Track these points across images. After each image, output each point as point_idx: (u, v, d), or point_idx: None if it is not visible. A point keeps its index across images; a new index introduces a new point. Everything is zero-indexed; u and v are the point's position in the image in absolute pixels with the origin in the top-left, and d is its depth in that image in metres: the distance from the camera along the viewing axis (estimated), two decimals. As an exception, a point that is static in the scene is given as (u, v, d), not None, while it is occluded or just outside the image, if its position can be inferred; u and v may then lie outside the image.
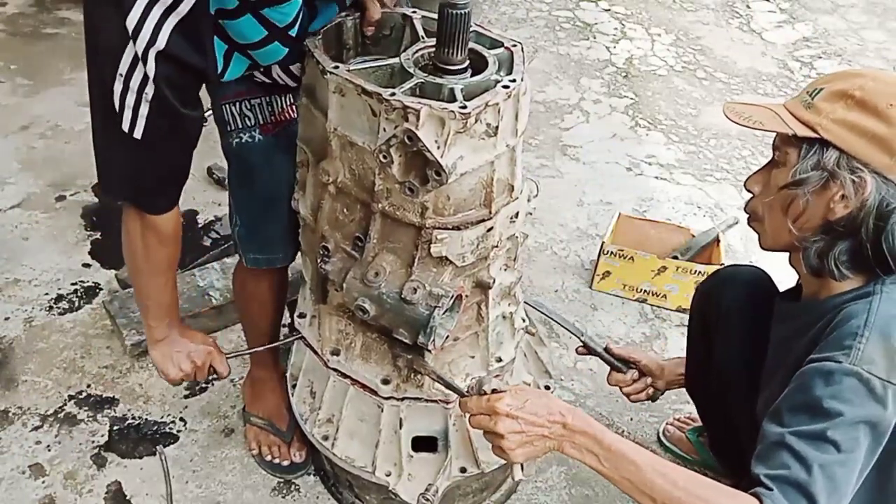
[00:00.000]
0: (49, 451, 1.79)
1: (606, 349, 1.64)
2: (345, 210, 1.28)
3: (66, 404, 1.90)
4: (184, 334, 1.48)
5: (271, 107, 1.40)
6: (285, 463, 1.77)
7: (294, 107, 1.41)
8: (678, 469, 1.11)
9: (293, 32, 1.21)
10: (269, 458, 1.77)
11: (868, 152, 1.13)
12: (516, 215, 1.30)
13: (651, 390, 1.65)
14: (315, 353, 1.49)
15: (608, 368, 1.66)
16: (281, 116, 1.41)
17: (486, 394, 1.16)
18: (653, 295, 2.27)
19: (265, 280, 1.63)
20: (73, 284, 2.22)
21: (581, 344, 1.65)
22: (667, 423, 1.91)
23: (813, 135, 1.16)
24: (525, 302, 1.63)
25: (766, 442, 1.10)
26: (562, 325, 1.66)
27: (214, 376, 1.53)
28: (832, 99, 1.16)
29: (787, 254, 1.30)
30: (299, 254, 1.54)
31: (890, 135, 1.12)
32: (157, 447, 1.80)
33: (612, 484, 1.12)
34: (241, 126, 1.39)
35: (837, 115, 1.14)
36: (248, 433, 1.82)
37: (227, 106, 1.38)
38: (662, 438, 1.89)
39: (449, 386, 1.28)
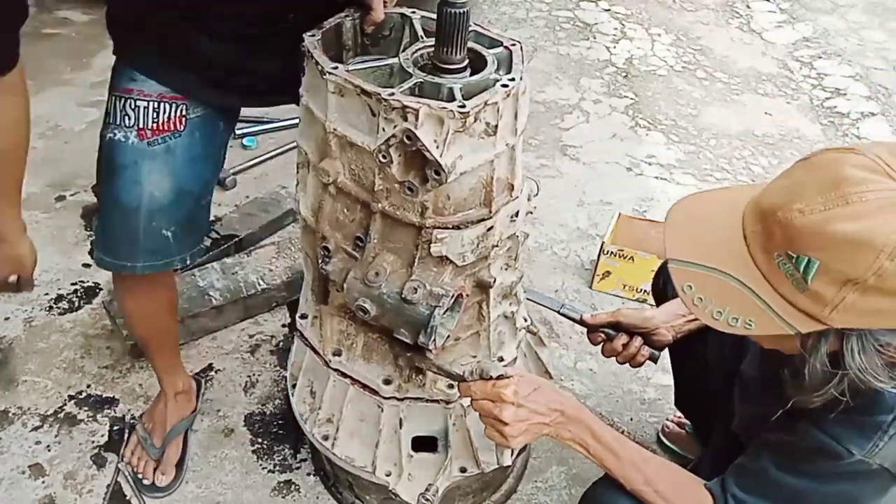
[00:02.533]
0: (49, 451, 1.79)
1: (582, 321, 1.54)
2: (345, 210, 1.28)
3: (66, 404, 1.90)
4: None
5: (157, 114, 1.33)
6: (146, 482, 1.74)
7: (183, 118, 1.34)
8: (656, 466, 1.19)
9: None
10: (137, 471, 1.75)
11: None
12: (516, 214, 1.30)
13: (646, 351, 1.49)
14: (316, 353, 1.49)
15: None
16: (165, 126, 1.33)
17: (491, 378, 1.18)
18: (653, 295, 2.27)
19: (119, 280, 1.56)
20: (73, 284, 2.22)
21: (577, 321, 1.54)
22: (666, 421, 1.91)
23: (821, 327, 0.91)
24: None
25: (751, 464, 1.13)
26: (537, 302, 1.60)
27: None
28: (835, 284, 0.88)
29: None
30: (300, 254, 1.53)
31: None
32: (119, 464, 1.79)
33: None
34: (118, 122, 1.34)
35: (848, 302, 0.88)
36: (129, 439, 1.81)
37: (114, 98, 1.34)
38: (662, 437, 1.89)
39: (449, 374, 1.28)
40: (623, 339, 1.49)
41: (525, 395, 1.16)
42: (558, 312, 1.56)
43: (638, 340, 1.49)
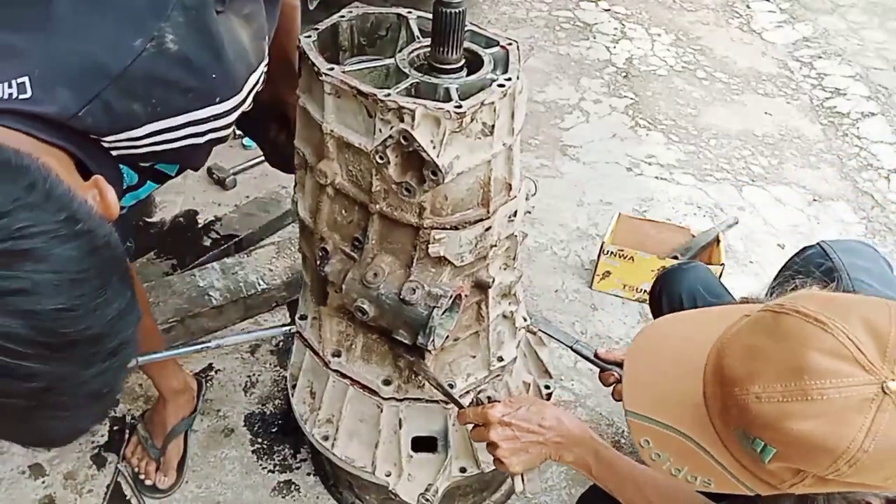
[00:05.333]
0: (49, 450, 1.79)
1: (595, 355, 1.48)
2: (343, 211, 1.28)
3: (66, 405, 1.90)
4: None
5: None
6: (148, 482, 1.74)
7: None
8: (659, 488, 1.16)
9: None
10: (138, 471, 1.75)
11: (858, 487, 0.87)
12: (514, 214, 1.30)
13: None
14: (316, 354, 1.49)
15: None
16: None
17: (481, 403, 1.18)
18: (653, 294, 2.27)
19: None
20: (73, 286, 2.22)
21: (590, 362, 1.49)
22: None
23: (781, 492, 0.91)
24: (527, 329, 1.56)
25: None
26: (552, 336, 1.57)
27: None
28: (791, 471, 0.86)
29: None
30: (299, 255, 1.54)
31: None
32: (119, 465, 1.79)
33: None
34: None
35: (807, 483, 0.86)
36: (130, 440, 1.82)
37: None
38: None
39: (451, 398, 1.29)
40: None
41: (511, 414, 1.16)
42: (571, 349, 1.51)
43: None
